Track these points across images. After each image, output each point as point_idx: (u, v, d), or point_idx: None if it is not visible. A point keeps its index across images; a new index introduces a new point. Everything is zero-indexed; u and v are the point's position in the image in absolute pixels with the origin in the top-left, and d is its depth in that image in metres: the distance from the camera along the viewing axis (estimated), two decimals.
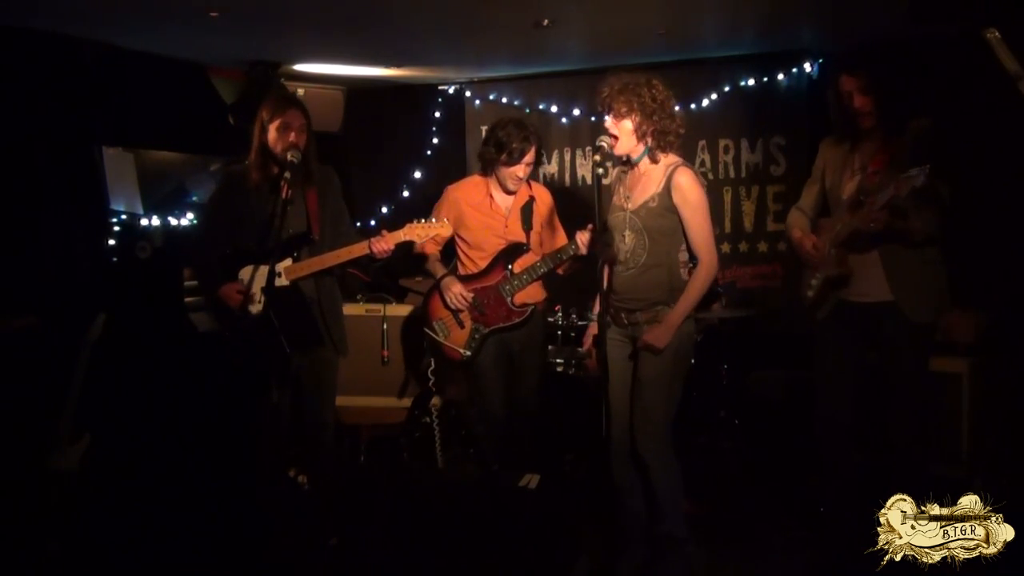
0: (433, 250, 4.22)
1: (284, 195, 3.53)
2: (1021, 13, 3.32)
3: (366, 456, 5.03)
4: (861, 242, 3.41)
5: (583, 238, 3.92)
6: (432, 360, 4.54)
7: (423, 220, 3.75)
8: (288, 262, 3.66)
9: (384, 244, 3.67)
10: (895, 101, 3.39)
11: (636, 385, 3.49)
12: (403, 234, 3.70)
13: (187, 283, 5.46)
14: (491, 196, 4.21)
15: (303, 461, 4.18)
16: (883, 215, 3.27)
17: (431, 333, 4.21)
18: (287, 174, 3.55)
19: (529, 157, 4.08)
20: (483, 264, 4.18)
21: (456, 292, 4.11)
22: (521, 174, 4.11)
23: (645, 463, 3.48)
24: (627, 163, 3.56)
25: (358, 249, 3.68)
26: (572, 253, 3.99)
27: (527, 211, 4.20)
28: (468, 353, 4.13)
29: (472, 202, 4.21)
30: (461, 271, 4.24)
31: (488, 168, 4.19)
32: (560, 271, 4.18)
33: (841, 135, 3.59)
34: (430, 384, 4.65)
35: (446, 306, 4.16)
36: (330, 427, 3.93)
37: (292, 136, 3.63)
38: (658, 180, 3.44)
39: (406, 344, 4.91)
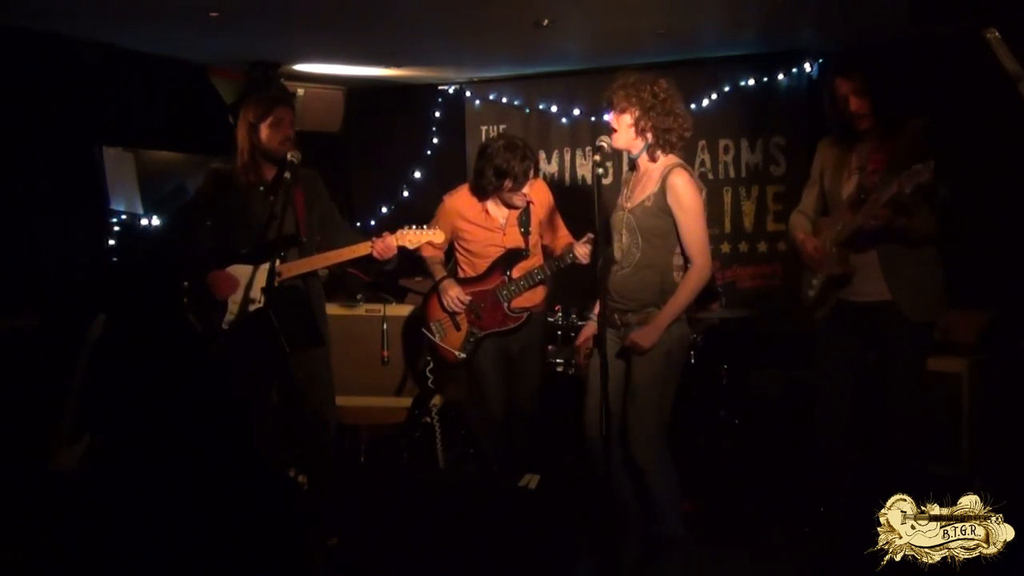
0: (433, 252, 4.20)
1: (284, 195, 3.53)
2: (1021, 13, 3.32)
3: (366, 456, 5.03)
4: (862, 241, 3.41)
5: (583, 251, 3.93)
6: (431, 359, 4.54)
7: (414, 227, 3.75)
8: (276, 262, 3.66)
9: (384, 244, 3.67)
10: (891, 100, 3.39)
11: (628, 388, 3.46)
12: (395, 239, 3.71)
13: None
14: (486, 210, 4.18)
15: (303, 461, 4.18)
16: (886, 212, 3.27)
17: (428, 334, 4.23)
18: (287, 174, 3.55)
19: (532, 174, 4.07)
20: (482, 268, 4.18)
21: (453, 296, 4.10)
22: (527, 191, 4.10)
23: (640, 467, 3.45)
24: (632, 166, 3.56)
25: (362, 248, 3.68)
26: (570, 262, 4.00)
27: (524, 217, 4.19)
28: (463, 356, 4.16)
29: (468, 216, 4.17)
30: (460, 274, 4.24)
31: (488, 194, 4.13)
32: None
33: (838, 136, 3.59)
34: (428, 383, 4.66)
35: (443, 308, 4.16)
36: (331, 426, 3.93)
37: (286, 130, 3.64)
38: (655, 180, 3.42)
39: (406, 343, 4.91)
